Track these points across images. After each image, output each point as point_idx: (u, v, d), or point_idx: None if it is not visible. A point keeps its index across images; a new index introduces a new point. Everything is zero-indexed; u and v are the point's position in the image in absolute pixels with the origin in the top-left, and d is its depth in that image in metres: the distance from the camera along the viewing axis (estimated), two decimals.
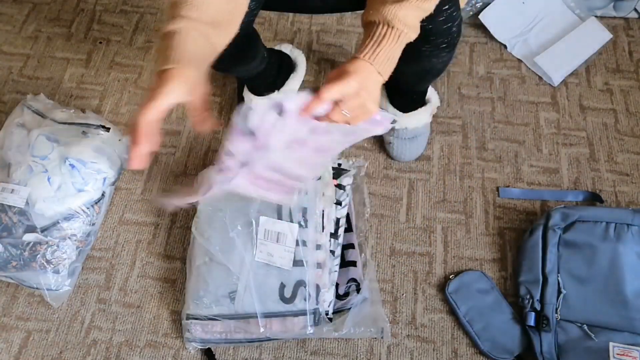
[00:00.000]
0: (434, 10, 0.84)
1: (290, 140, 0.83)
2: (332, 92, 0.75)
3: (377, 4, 0.79)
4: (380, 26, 0.79)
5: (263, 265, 1.06)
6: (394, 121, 0.84)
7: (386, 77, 0.80)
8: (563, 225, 1.12)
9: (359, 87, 0.76)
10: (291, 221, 1.08)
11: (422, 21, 0.84)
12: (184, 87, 0.71)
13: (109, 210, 1.28)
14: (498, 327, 1.11)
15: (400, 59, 0.83)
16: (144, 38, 1.55)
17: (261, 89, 1.28)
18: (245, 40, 1.07)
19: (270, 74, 1.30)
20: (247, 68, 1.17)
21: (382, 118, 0.85)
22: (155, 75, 0.73)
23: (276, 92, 1.28)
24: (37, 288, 1.13)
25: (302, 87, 1.42)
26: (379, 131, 0.88)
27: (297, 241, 1.07)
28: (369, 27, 0.80)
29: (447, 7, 0.89)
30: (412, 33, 0.81)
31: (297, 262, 1.06)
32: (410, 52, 0.88)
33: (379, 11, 0.79)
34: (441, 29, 0.91)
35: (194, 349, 1.11)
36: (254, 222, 1.08)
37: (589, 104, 1.40)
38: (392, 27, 0.78)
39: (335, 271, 1.10)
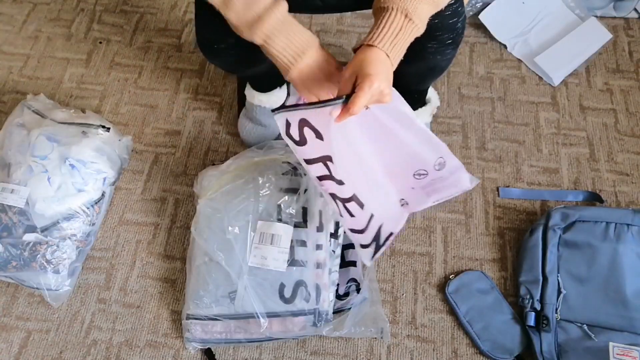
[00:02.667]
0: None
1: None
2: (361, 103, 0.76)
3: None
4: (398, 16, 0.79)
5: (258, 267, 1.06)
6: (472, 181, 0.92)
7: (394, 67, 0.82)
8: (563, 225, 1.12)
9: (380, 84, 0.77)
10: (286, 222, 1.08)
11: (430, 17, 0.85)
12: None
13: (109, 210, 1.28)
14: (498, 327, 1.11)
15: (405, 58, 0.84)
16: (144, 38, 1.55)
17: (265, 86, 1.29)
18: None
19: (275, 71, 1.30)
20: (260, 67, 1.18)
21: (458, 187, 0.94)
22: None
23: (278, 88, 1.29)
24: (37, 288, 1.13)
25: None
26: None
27: (297, 241, 1.07)
28: (383, 12, 0.80)
29: (452, 1, 0.91)
30: (422, 28, 0.82)
31: (296, 262, 1.06)
32: (416, 50, 0.88)
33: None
34: (447, 24, 0.92)
35: (194, 349, 1.11)
36: (250, 225, 1.08)
37: (589, 104, 1.40)
38: (410, 20, 0.79)
39: (336, 271, 1.10)
